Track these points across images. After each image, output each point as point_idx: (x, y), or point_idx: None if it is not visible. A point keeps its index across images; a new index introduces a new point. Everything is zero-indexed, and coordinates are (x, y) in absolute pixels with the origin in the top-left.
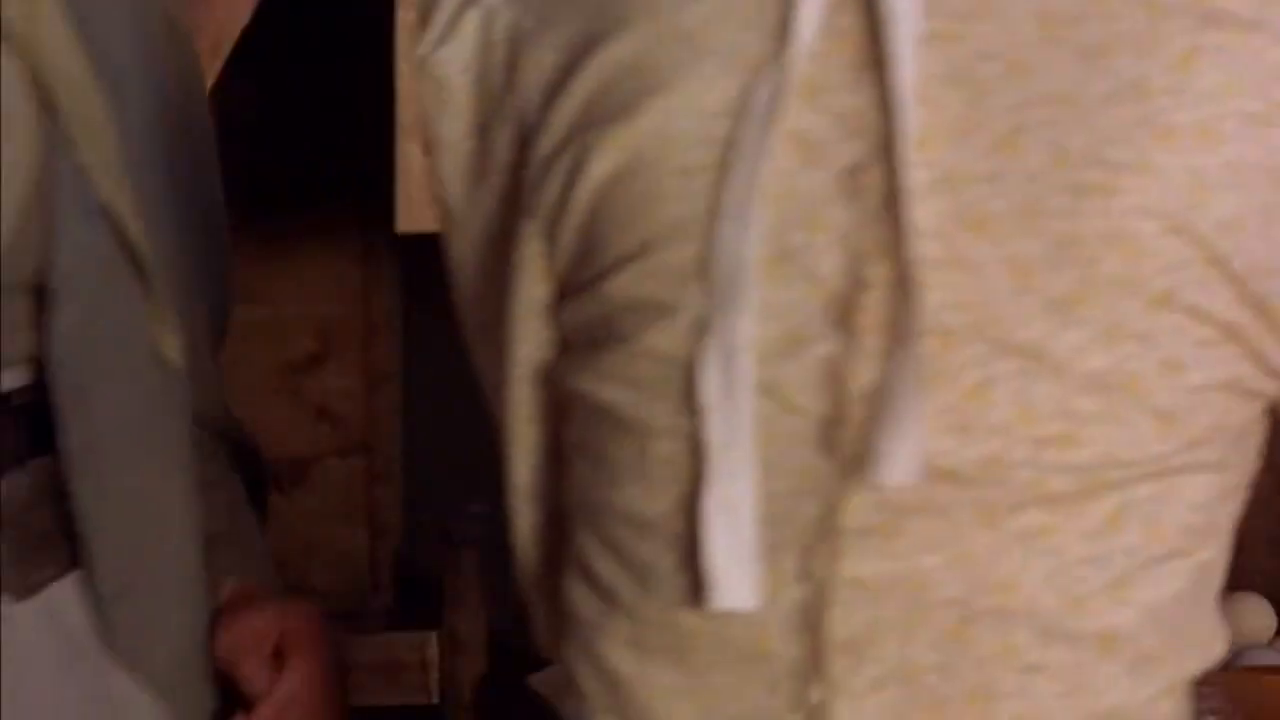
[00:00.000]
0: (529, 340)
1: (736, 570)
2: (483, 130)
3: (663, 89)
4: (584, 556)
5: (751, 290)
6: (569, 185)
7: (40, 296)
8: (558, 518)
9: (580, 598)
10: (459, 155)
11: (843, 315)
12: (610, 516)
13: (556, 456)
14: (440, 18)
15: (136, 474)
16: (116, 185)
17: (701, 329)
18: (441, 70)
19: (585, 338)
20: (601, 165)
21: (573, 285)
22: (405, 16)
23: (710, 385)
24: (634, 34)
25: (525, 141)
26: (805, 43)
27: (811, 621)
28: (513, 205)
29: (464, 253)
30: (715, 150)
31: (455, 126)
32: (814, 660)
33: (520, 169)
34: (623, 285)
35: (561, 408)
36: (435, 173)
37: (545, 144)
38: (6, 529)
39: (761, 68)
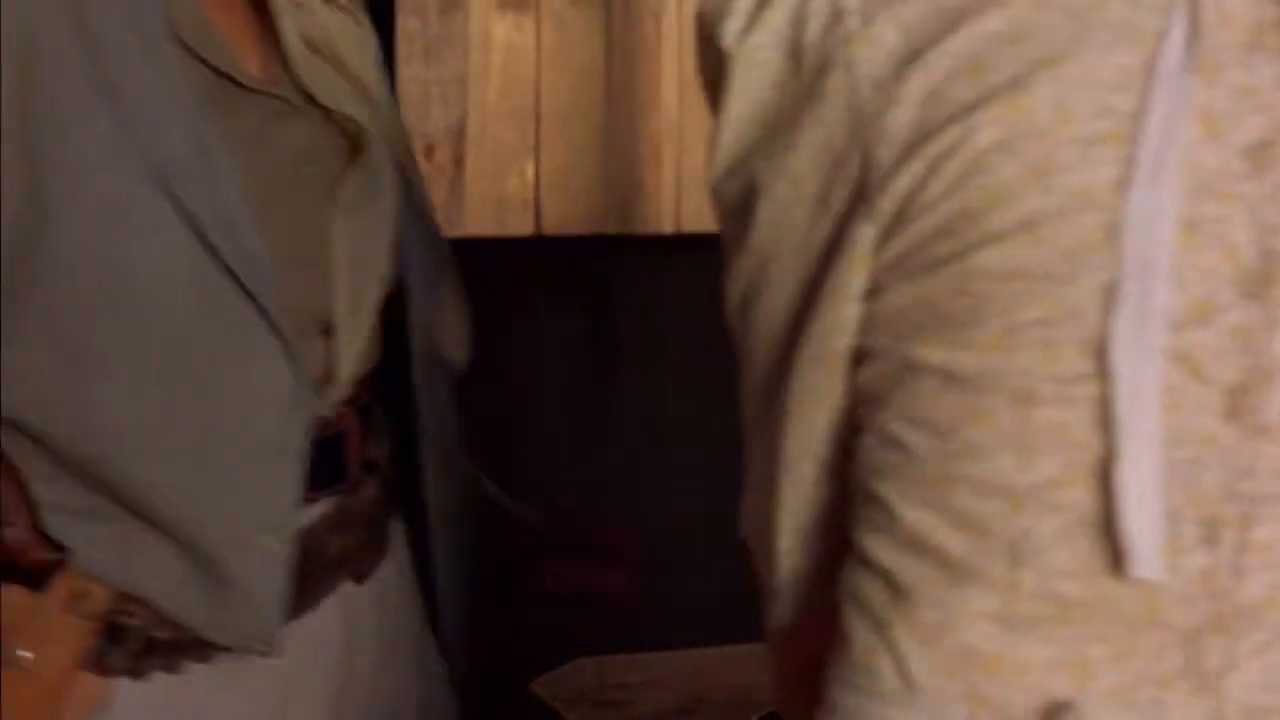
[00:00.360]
0: (832, 323)
1: (1150, 538)
2: (784, 109)
3: (1053, 61)
4: (919, 533)
5: (1166, 258)
6: (941, 158)
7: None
8: (840, 502)
9: (921, 578)
10: (751, 134)
11: (1256, 286)
12: (964, 489)
13: (838, 439)
14: (741, 5)
15: (455, 460)
16: (432, 215)
17: (1108, 296)
18: (749, 56)
19: (936, 312)
20: (985, 136)
21: (921, 262)
22: (406, 22)
23: (1122, 352)
24: (1007, 8)
25: (856, 120)
26: (1207, 22)
27: (1214, 588)
28: (822, 185)
29: (748, 233)
30: (1115, 121)
31: (749, 103)
32: (1214, 627)
33: (842, 150)
34: (1000, 257)
35: (878, 388)
36: (717, 149)
37: (896, 120)
38: (359, 525)
39: (1157, 42)
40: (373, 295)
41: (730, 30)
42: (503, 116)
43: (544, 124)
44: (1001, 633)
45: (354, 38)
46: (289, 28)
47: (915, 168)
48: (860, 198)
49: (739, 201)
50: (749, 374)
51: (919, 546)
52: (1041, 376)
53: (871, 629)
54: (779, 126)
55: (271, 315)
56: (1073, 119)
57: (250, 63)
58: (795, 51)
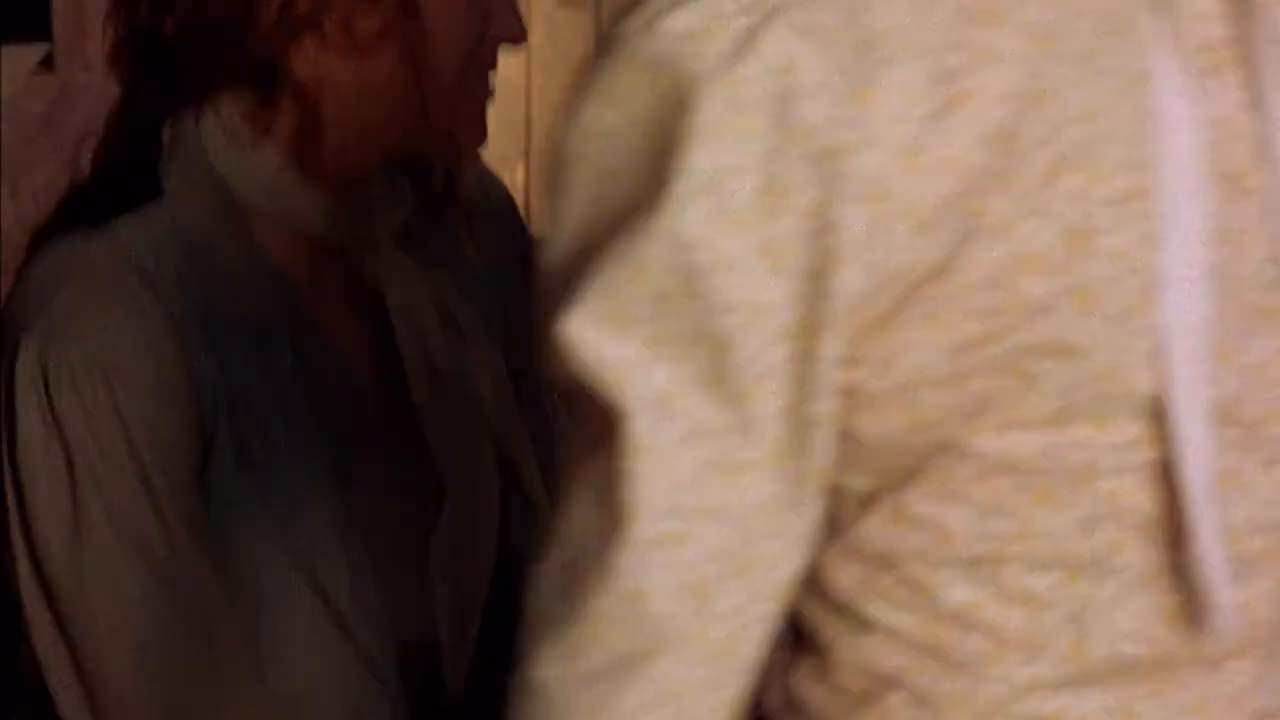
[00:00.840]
0: (825, 398)
1: (1226, 591)
2: (755, 167)
3: (1078, 119)
4: (967, 611)
5: (1207, 313)
6: (972, 231)
7: None
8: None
9: (976, 655)
10: (722, 191)
11: (1263, 317)
12: (1018, 565)
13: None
14: (723, 28)
15: None
16: (533, 478)
17: (1155, 359)
18: (735, 92)
19: (971, 394)
20: (1020, 205)
21: (943, 344)
22: None
23: (1181, 413)
24: (1013, 63)
25: (857, 189)
26: (1188, 59)
27: (1249, 618)
28: (811, 257)
29: (697, 318)
30: (1137, 175)
31: (726, 152)
32: (1241, 652)
33: (835, 219)
34: (1049, 331)
35: (907, 469)
36: (679, 207)
37: (913, 191)
38: None
39: (1147, 83)
40: (476, 612)
41: (709, 51)
42: (492, 119)
43: (534, 127)
44: (1064, 692)
45: (468, 359)
46: (416, 364)
47: (939, 239)
48: (857, 268)
49: (677, 278)
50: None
51: (968, 623)
52: (1099, 448)
53: (915, 704)
54: (748, 186)
55: (387, 679)
56: (1102, 178)
57: (368, 384)
58: (788, 101)
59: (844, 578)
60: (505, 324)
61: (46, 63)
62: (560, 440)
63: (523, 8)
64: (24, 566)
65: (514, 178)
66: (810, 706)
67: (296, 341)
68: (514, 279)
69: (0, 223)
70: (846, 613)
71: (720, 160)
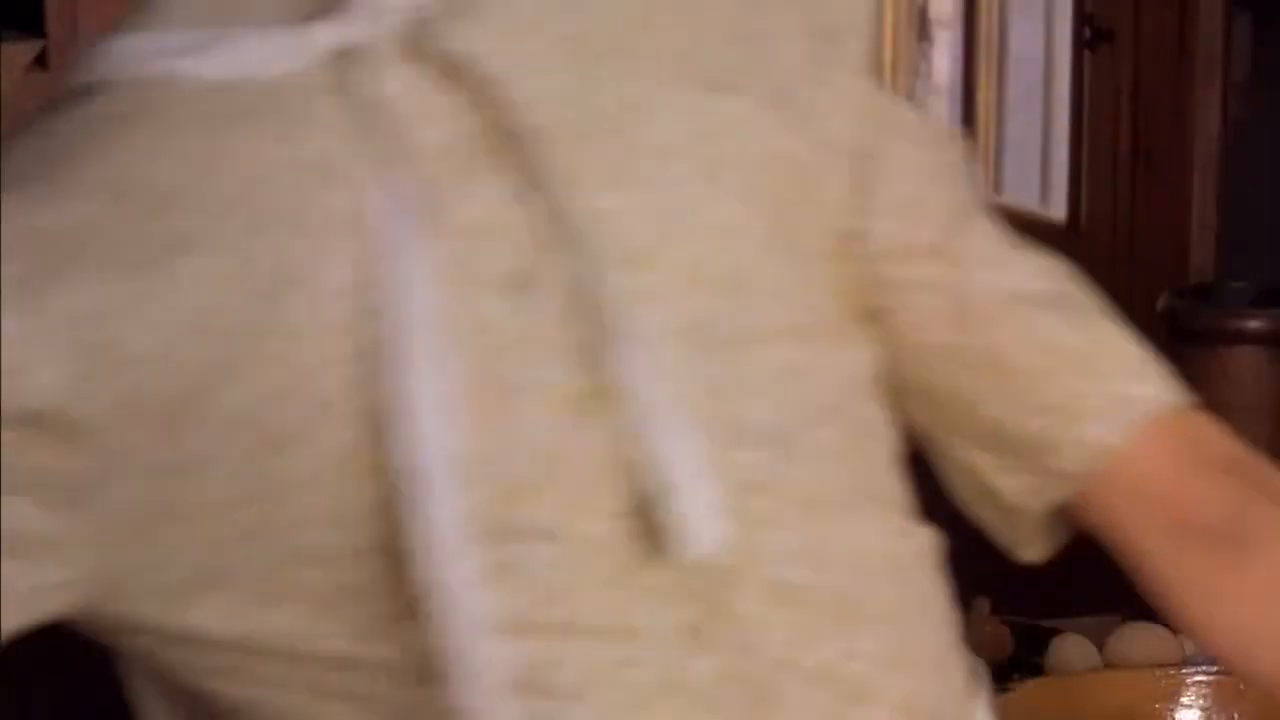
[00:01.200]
0: None
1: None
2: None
3: (288, 284)
4: None
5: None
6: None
7: None
8: None
9: None
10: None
11: (589, 400)
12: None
13: None
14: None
15: None
16: None
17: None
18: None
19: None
20: (224, 400)
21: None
22: None
23: (458, 579)
24: (211, 241)
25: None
26: (398, 180)
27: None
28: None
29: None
30: (353, 336)
31: None
32: None
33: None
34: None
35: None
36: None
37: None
38: None
39: (353, 223)
40: None
41: None
42: None
43: None
44: None
45: None
46: None
47: (182, 444)
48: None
49: None
50: None
51: None
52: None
53: None
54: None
55: None
56: (331, 340)
57: None
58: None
59: None
60: None
61: (40, 60)
62: None
63: None
64: None
65: None
66: None
67: None
68: None
69: None
70: None
71: None
